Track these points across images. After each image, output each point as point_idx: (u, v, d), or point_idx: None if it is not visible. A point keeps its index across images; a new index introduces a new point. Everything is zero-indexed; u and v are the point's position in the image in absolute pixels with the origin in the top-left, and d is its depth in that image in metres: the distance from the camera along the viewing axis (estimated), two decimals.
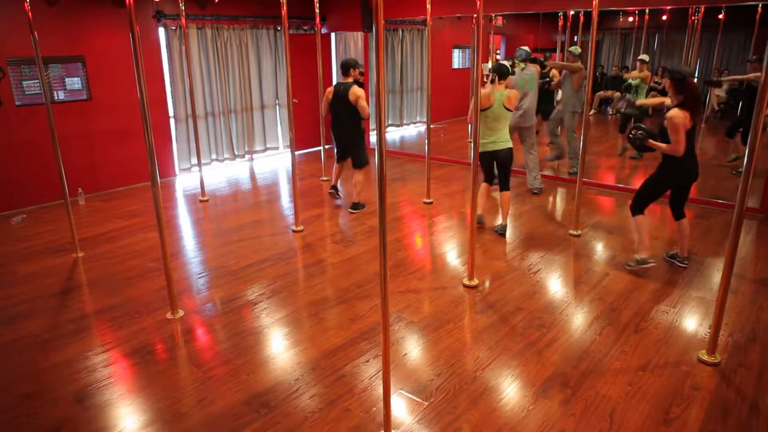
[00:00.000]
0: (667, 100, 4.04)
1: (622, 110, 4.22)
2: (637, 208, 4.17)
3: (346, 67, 5.59)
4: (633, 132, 4.11)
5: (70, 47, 6.22)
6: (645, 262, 4.16)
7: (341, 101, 5.53)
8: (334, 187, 6.28)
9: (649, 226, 4.02)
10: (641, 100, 4.12)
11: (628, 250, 4.67)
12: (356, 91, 5.45)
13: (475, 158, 3.92)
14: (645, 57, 7.45)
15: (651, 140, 3.96)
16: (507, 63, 5.02)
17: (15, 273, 4.44)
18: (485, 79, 4.99)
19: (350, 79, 5.57)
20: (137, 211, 6.02)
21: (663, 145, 3.88)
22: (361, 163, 5.84)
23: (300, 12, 7.89)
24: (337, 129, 5.79)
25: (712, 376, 2.97)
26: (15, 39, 5.71)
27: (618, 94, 9.61)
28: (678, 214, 4.21)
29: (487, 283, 4.14)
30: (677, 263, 4.32)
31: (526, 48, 6.05)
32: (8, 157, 5.94)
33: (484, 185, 5.11)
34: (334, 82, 9.64)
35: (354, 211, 5.83)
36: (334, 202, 6.27)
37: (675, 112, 3.77)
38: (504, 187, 5.05)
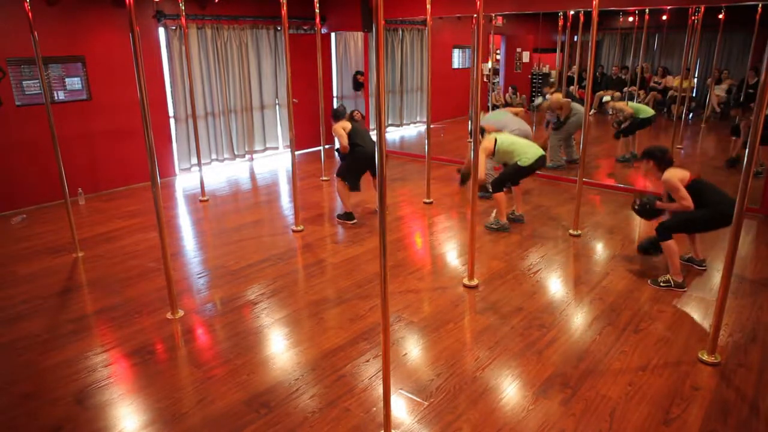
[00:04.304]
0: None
1: (635, 206, 4.34)
2: (667, 235, 4.04)
3: (336, 116, 5.58)
4: (639, 204, 4.25)
5: (70, 47, 6.23)
6: (679, 285, 4.02)
7: None
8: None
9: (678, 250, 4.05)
10: (662, 203, 4.16)
11: (628, 249, 4.68)
12: (333, 128, 5.48)
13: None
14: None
15: (659, 203, 4.13)
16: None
17: (15, 273, 4.44)
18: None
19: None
20: (137, 211, 6.02)
21: (673, 205, 3.99)
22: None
23: (300, 12, 7.89)
24: None
25: (712, 376, 2.97)
26: (15, 39, 5.71)
27: (618, 93, 9.61)
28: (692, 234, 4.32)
29: (487, 283, 4.14)
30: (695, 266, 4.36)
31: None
32: (8, 157, 5.94)
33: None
34: (335, 83, 9.64)
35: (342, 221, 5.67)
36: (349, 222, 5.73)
37: (667, 175, 3.95)
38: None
